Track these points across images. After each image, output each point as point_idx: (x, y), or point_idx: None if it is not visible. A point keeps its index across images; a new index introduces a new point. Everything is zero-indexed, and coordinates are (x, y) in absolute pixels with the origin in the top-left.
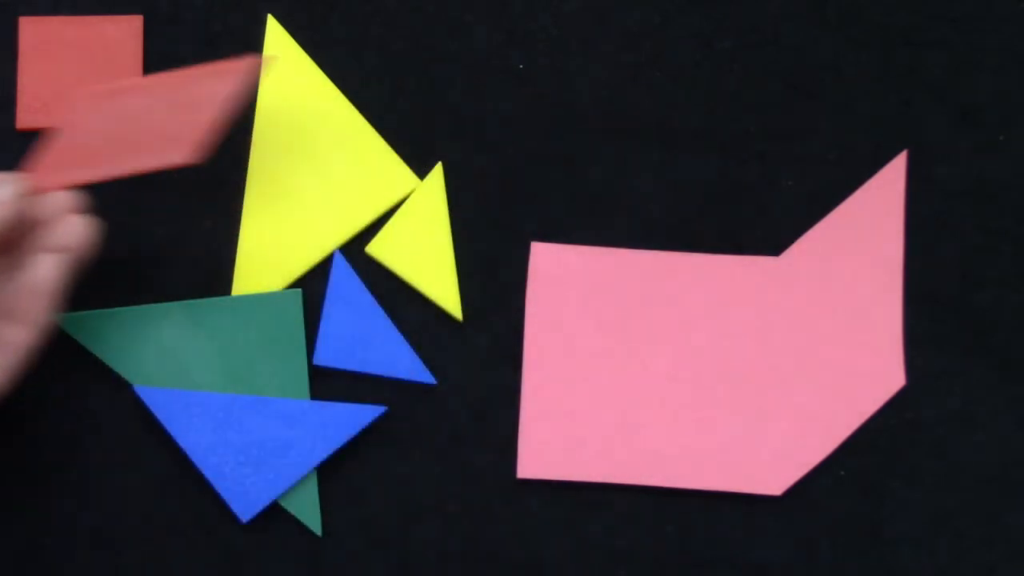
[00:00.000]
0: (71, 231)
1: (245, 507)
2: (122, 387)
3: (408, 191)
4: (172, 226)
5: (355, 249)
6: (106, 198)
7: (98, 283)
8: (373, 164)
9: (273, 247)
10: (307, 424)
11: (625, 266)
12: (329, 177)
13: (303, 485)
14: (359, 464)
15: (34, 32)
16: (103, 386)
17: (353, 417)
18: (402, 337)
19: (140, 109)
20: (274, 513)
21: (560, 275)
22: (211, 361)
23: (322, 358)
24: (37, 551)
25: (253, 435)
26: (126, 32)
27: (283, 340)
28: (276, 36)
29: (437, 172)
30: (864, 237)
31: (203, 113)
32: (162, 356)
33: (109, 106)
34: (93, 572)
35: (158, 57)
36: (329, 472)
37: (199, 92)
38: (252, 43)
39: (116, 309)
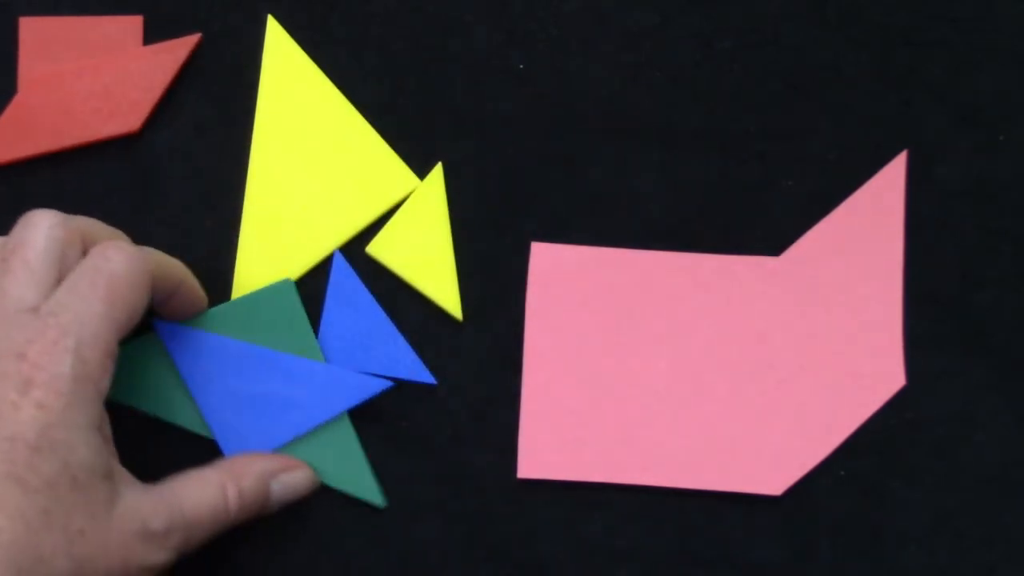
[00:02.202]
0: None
1: (234, 453)
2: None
3: (408, 191)
4: (172, 226)
5: (355, 249)
6: (106, 198)
7: None
8: (373, 164)
9: (273, 247)
10: (313, 385)
11: (625, 266)
12: (329, 177)
13: (350, 461)
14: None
15: (34, 32)
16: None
17: (359, 386)
18: (402, 337)
19: (88, 86)
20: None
21: (560, 275)
22: None
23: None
24: None
25: (258, 386)
26: (126, 32)
27: (289, 332)
28: (276, 36)
29: (437, 172)
30: (864, 237)
31: (148, 88)
32: (177, 379)
33: (58, 85)
34: None
35: None
36: None
37: (142, 68)
38: (252, 43)
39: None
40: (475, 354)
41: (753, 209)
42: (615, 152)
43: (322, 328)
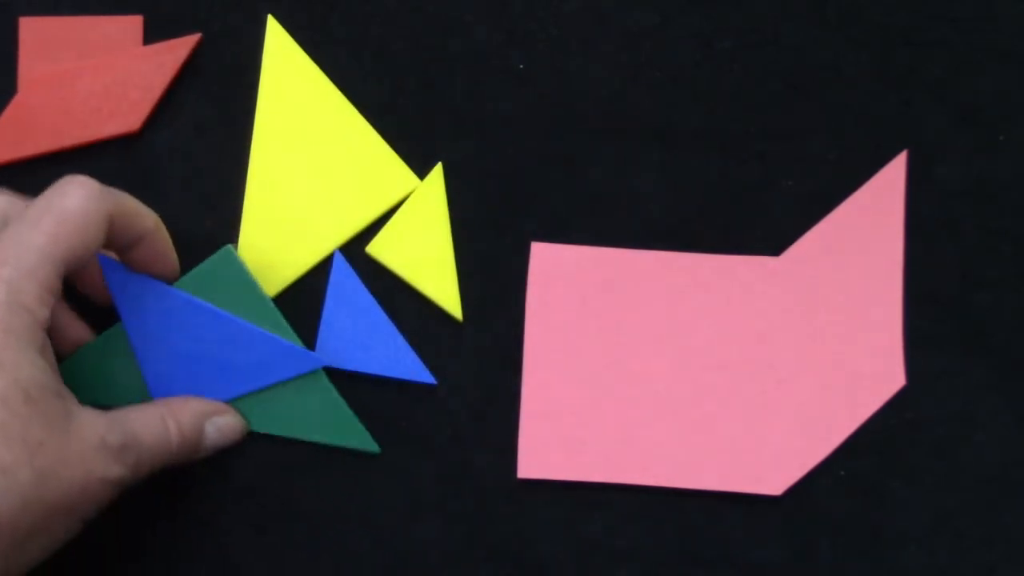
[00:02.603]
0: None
1: None
2: None
3: (408, 191)
4: (172, 226)
5: (355, 249)
6: None
7: None
8: (373, 164)
9: (273, 247)
10: (251, 351)
11: (625, 266)
12: (329, 177)
13: (335, 413)
14: (359, 463)
15: (34, 32)
16: None
17: (296, 360)
18: (402, 337)
19: (88, 86)
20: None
21: (560, 275)
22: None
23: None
24: None
25: (197, 344)
26: (126, 32)
27: (242, 298)
28: (276, 36)
29: (437, 172)
30: (864, 237)
31: (148, 88)
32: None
33: (58, 85)
34: None
35: None
36: (328, 471)
37: (142, 68)
38: (252, 43)
39: (85, 346)
40: (475, 354)
41: (753, 209)
42: (615, 152)
43: (322, 328)
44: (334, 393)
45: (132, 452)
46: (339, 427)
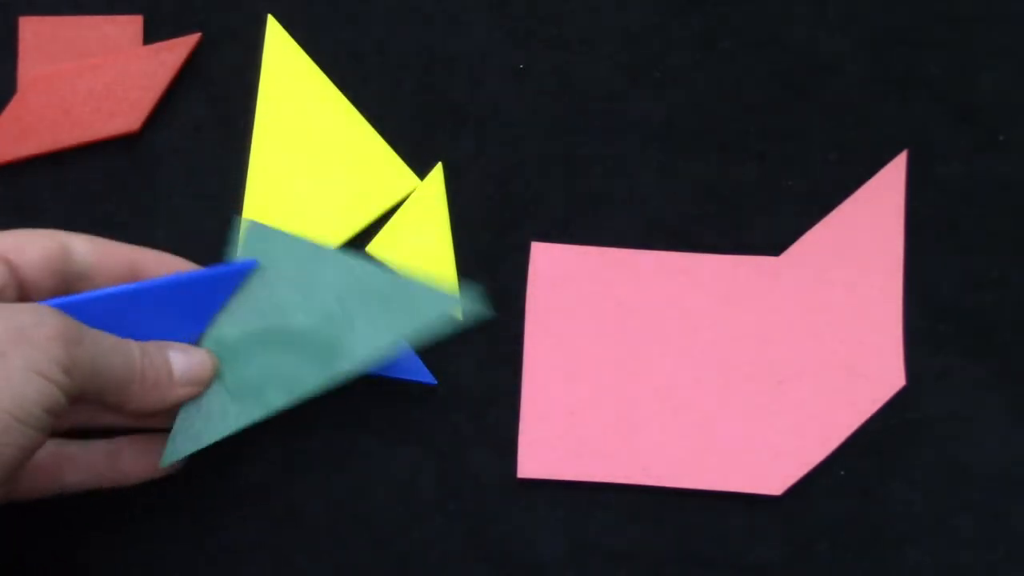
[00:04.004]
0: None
1: None
2: None
3: (408, 191)
4: (172, 226)
5: (355, 249)
6: (106, 198)
7: None
8: (373, 164)
9: None
10: (184, 300)
11: (625, 266)
12: (329, 177)
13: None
14: (359, 463)
15: (34, 32)
16: None
17: (225, 279)
18: None
19: (88, 86)
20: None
21: (560, 275)
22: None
23: None
24: None
25: (141, 328)
26: (126, 32)
27: (299, 255)
28: (276, 36)
29: (437, 172)
30: (864, 237)
31: (148, 88)
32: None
33: (58, 85)
34: None
35: None
36: (328, 471)
37: (142, 68)
38: (252, 43)
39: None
40: (475, 354)
41: (753, 209)
42: (615, 152)
43: None
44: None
45: (82, 370)
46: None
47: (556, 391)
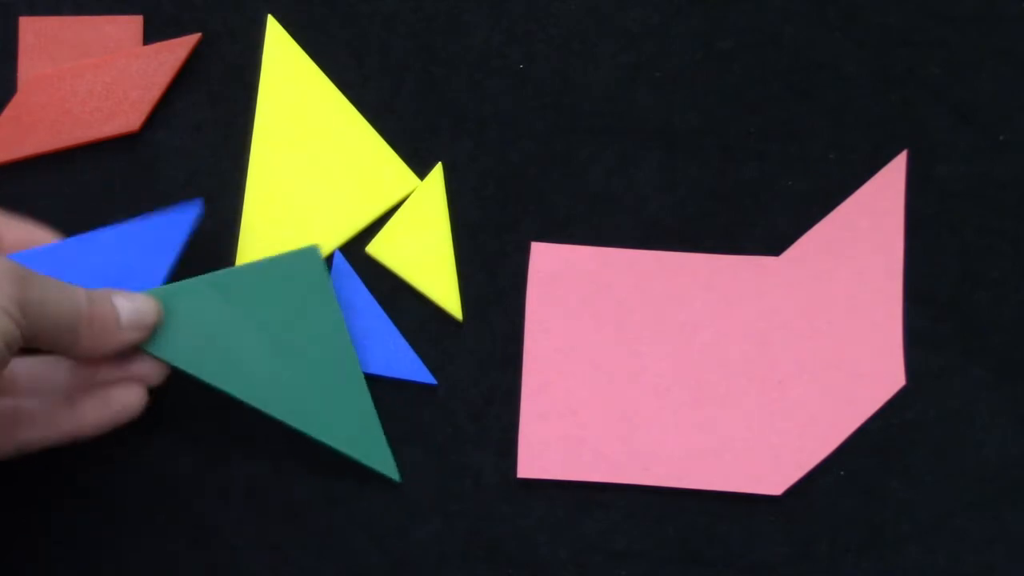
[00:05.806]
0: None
1: None
2: None
3: (408, 191)
4: None
5: (355, 249)
6: (106, 198)
7: None
8: (373, 164)
9: (273, 247)
10: (138, 248)
11: (625, 266)
12: (329, 177)
13: (370, 436)
14: (359, 463)
15: (34, 32)
16: None
17: (173, 227)
18: (402, 337)
19: (88, 86)
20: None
21: (560, 275)
22: (248, 330)
23: None
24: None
25: (96, 278)
26: (126, 32)
27: (313, 298)
28: (276, 36)
29: (437, 172)
30: (864, 237)
31: (148, 87)
32: (195, 332)
33: (58, 85)
34: None
35: None
36: (327, 471)
37: (142, 68)
38: (252, 43)
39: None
40: (475, 354)
41: (753, 209)
42: (615, 152)
43: None
44: (373, 411)
45: (36, 290)
46: (367, 446)
47: (556, 391)
